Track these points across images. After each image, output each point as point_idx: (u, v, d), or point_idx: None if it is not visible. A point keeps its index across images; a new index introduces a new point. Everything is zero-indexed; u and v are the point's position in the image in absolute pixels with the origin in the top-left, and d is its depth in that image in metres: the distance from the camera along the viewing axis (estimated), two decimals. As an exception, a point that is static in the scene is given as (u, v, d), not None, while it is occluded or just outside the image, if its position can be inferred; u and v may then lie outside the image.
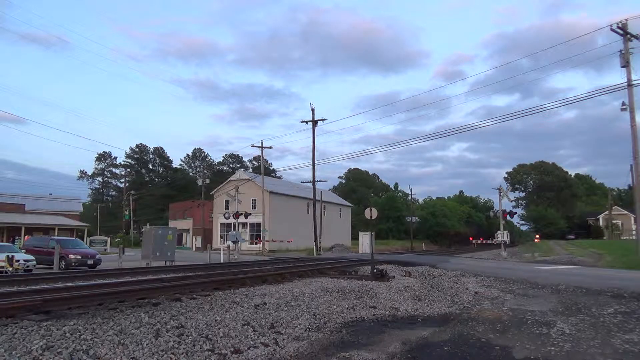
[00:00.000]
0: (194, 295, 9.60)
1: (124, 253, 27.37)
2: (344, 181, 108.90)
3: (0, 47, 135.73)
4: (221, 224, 55.72)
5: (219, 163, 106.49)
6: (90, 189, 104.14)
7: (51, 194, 66.18)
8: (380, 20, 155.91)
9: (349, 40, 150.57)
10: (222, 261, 26.90)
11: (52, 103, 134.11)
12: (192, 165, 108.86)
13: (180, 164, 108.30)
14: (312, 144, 43.94)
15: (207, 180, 63.44)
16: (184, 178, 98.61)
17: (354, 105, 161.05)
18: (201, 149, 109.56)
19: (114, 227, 77.79)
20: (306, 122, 43.81)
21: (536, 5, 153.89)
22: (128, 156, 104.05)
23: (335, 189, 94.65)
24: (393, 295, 11.58)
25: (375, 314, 9.39)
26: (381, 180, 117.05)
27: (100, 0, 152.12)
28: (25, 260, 19.43)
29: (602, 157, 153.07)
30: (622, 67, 22.46)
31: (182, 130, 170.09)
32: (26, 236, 37.77)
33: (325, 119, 44.22)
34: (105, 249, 45.61)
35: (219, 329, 6.94)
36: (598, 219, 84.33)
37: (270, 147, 47.10)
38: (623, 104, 23.05)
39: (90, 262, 22.69)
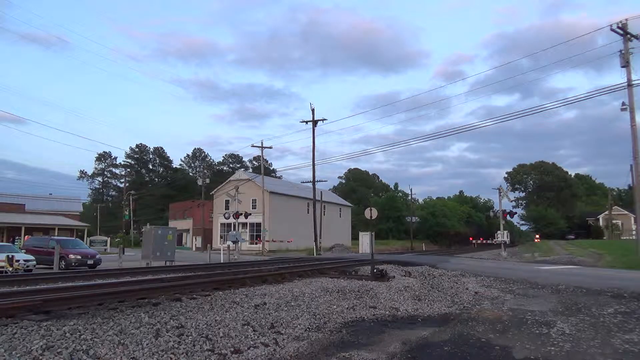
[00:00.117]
0: (194, 295, 9.60)
1: (124, 253, 27.38)
2: (344, 181, 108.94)
3: (0, 47, 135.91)
4: (221, 224, 55.72)
5: (219, 163, 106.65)
6: (90, 189, 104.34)
7: (51, 194, 66.20)
8: (380, 20, 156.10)
9: (349, 40, 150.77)
10: (222, 261, 26.90)
11: (52, 103, 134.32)
12: (192, 165, 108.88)
13: (180, 164, 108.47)
14: (312, 144, 44.02)
15: (207, 180, 63.42)
16: (184, 178, 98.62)
17: (354, 105, 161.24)
18: (201, 149, 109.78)
19: (114, 227, 77.80)
20: (306, 122, 43.84)
21: (536, 5, 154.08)
22: (128, 156, 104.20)
23: (335, 189, 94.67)
24: (393, 295, 11.58)
25: (375, 314, 9.39)
26: (381, 180, 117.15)
27: (100, 0, 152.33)
28: (25, 260, 19.43)
29: (602, 157, 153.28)
30: (622, 67, 22.46)
31: (182, 130, 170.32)
32: (26, 236, 37.77)
33: (325, 119, 44.28)
34: (105, 249, 45.60)
35: (219, 329, 6.94)
36: (598, 219, 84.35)
37: (270, 147, 47.17)
38: (623, 104, 23.05)
39: (90, 262, 22.69)
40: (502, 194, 39.68)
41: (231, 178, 59.61)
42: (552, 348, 6.59)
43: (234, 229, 40.88)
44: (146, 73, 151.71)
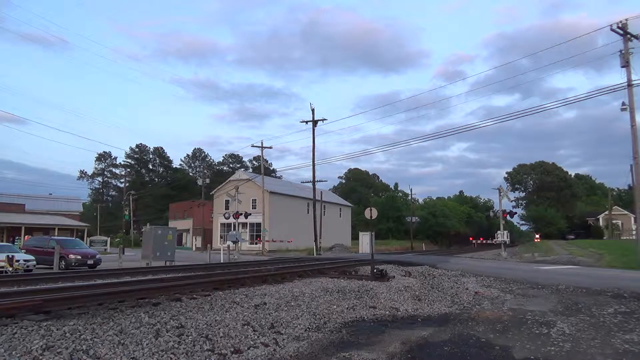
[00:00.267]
0: (194, 295, 9.60)
1: (124, 253, 27.35)
2: (344, 181, 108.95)
3: (0, 47, 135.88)
4: (221, 224, 55.71)
5: (219, 163, 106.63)
6: (90, 189, 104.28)
7: (51, 194, 66.19)
8: (380, 20, 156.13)
9: (349, 40, 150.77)
10: (222, 261, 26.89)
11: (52, 103, 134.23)
12: (192, 165, 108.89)
13: (180, 164, 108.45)
14: (312, 144, 44.00)
15: (207, 180, 63.52)
16: (184, 178, 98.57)
17: (354, 105, 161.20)
18: (201, 149, 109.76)
19: (114, 227, 77.80)
20: (306, 122, 43.81)
21: (536, 5, 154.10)
22: (128, 156, 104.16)
23: (335, 189, 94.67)
24: (393, 295, 11.58)
25: (375, 314, 9.39)
26: (381, 180, 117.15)
27: (100, 0, 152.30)
28: (25, 260, 19.42)
29: (602, 157, 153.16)
30: (622, 67, 22.44)
31: (182, 130, 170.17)
32: (26, 236, 37.77)
33: (325, 119, 44.22)
34: (105, 249, 45.58)
35: (219, 329, 6.94)
36: (598, 219, 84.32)
37: (270, 147, 47.13)
38: (623, 104, 23.03)
39: (90, 262, 22.68)
40: (502, 194, 39.61)
41: (231, 178, 59.59)
42: (552, 348, 6.59)
43: (234, 229, 40.87)
44: (146, 73, 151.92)
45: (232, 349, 6.15)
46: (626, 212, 72.55)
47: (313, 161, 44.30)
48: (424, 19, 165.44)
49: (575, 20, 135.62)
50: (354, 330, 7.83)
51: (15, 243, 33.17)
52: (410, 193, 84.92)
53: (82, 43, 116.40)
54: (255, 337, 6.83)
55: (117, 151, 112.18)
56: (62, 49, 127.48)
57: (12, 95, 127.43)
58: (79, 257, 22.65)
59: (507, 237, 42.02)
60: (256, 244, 50.50)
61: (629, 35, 22.24)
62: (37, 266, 20.32)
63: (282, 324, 7.74)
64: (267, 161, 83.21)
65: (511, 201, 57.90)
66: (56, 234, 41.27)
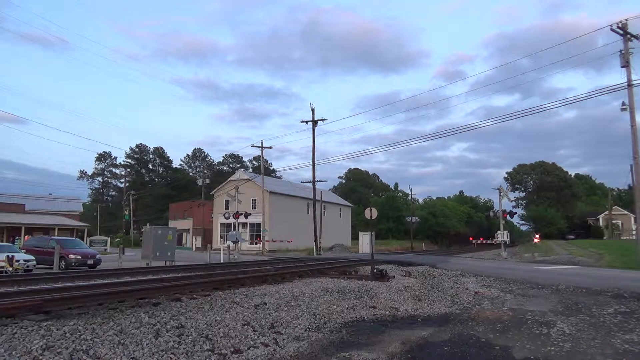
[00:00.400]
0: (194, 295, 9.60)
1: (124, 253, 27.36)
2: (344, 181, 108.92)
3: (0, 47, 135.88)
4: (221, 224, 55.71)
5: (219, 163, 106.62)
6: (90, 189, 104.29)
7: (51, 194, 66.18)
8: (381, 20, 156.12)
9: (349, 40, 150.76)
10: (222, 261, 26.89)
11: (52, 103, 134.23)
12: (192, 165, 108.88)
13: (180, 164, 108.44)
14: (312, 144, 44.00)
15: (207, 180, 63.52)
16: (184, 178, 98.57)
17: (354, 105, 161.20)
18: (201, 149, 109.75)
19: (114, 227, 77.79)
20: (306, 122, 43.80)
21: (536, 5, 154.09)
22: (128, 156, 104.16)
23: (335, 189, 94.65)
24: (393, 295, 11.58)
25: (375, 314, 9.39)
26: (381, 180, 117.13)
27: (100, 0, 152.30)
28: (25, 260, 19.42)
29: (602, 157, 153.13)
30: (622, 67, 22.43)
31: (182, 130, 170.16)
32: (26, 236, 37.76)
33: (325, 119, 44.22)
34: (105, 249, 45.58)
35: (219, 329, 6.94)
36: (598, 219, 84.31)
37: (270, 147, 47.13)
38: (623, 104, 23.03)
39: (90, 262, 22.68)
40: (502, 194, 39.60)
41: (231, 178, 59.59)
42: (552, 348, 6.59)
43: (234, 229, 40.87)
44: (146, 73, 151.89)
45: (232, 349, 6.15)
46: (626, 212, 72.52)
47: (313, 161, 44.33)
48: (424, 19, 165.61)
49: (575, 20, 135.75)
50: (354, 330, 7.83)
51: (15, 243, 33.17)
52: (410, 193, 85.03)
53: (82, 43, 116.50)
54: (255, 337, 6.84)
55: (117, 151, 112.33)
56: (62, 49, 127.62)
57: (12, 95, 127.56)
58: (79, 257, 22.65)
59: (507, 237, 42.02)
60: (256, 244, 50.50)
61: (629, 35, 22.24)
62: (37, 266, 20.32)
63: (282, 324, 7.74)
64: (267, 161, 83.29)
65: (511, 201, 57.91)
66: (56, 234, 41.26)
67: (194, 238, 64.29)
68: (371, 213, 20.38)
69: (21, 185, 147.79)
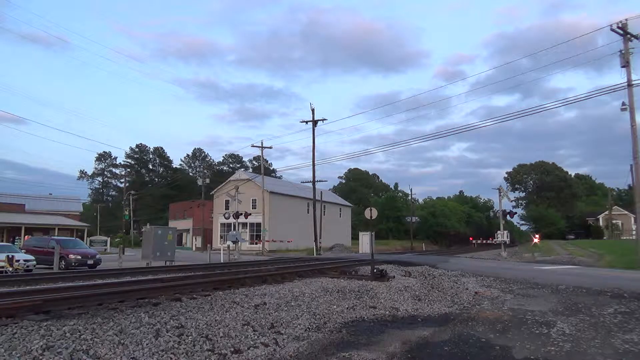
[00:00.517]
0: (194, 295, 9.60)
1: (124, 253, 27.36)
2: (344, 181, 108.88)
3: (0, 47, 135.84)
4: (221, 224, 55.72)
5: (219, 163, 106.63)
6: (90, 189, 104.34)
7: (51, 194, 66.20)
8: (381, 20, 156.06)
9: (349, 40, 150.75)
10: (222, 261, 26.90)
11: (52, 103, 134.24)
12: (192, 165, 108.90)
13: (180, 164, 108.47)
14: (312, 144, 43.99)
15: (207, 180, 63.39)
16: (184, 178, 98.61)
17: (354, 105, 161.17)
18: (201, 149, 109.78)
19: (114, 227, 77.77)
20: (306, 122, 43.79)
21: (536, 5, 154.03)
22: (128, 156, 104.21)
23: (335, 189, 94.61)
24: (393, 295, 11.58)
25: (375, 314, 9.39)
26: (381, 180, 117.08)
27: (100, 0, 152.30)
28: (25, 260, 19.42)
29: (602, 157, 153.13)
30: (622, 67, 22.43)
31: (182, 130, 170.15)
32: (26, 236, 37.77)
33: (325, 119, 44.19)
34: (105, 249, 45.60)
35: (219, 329, 6.95)
36: (598, 219, 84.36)
37: (270, 147, 47.12)
38: (623, 104, 23.02)
39: (90, 262, 22.69)
40: (502, 194, 39.61)
41: (231, 178, 59.60)
42: (552, 348, 6.59)
43: (234, 229, 40.87)
44: (146, 73, 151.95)
45: (232, 349, 6.15)
46: (626, 212, 72.52)
47: (313, 161, 44.32)
48: (424, 19, 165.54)
49: (575, 20, 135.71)
50: (354, 330, 7.83)
51: (15, 243, 33.17)
52: (410, 193, 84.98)
53: (82, 43, 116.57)
54: (255, 337, 6.84)
55: (117, 151, 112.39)
56: (63, 48, 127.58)
57: (12, 95, 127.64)
58: (79, 257, 22.65)
59: (507, 237, 42.00)
60: (256, 244, 50.49)
61: (629, 35, 22.24)
62: (37, 266, 20.32)
63: (282, 324, 7.74)
64: (267, 161, 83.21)
65: (511, 201, 58.01)
66: (56, 234, 41.27)
67: (194, 238, 64.30)
68: (371, 213, 20.39)
69: (21, 185, 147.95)
